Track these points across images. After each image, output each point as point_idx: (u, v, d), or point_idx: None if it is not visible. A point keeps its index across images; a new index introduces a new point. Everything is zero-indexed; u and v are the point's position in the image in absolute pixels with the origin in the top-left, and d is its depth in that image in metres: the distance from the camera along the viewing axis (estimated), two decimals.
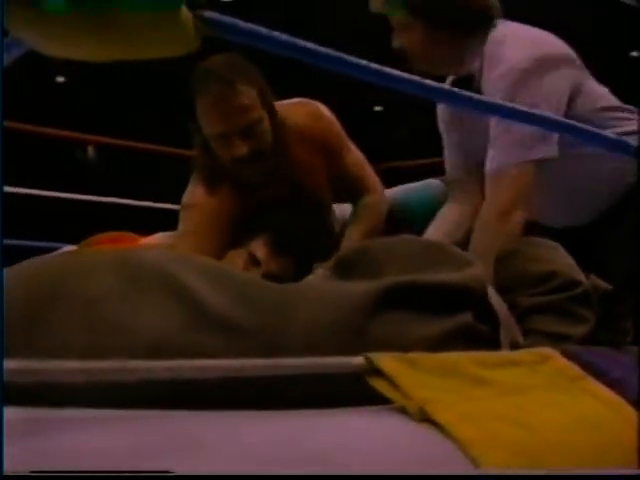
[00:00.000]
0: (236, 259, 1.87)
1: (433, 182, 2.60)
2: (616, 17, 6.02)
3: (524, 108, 1.55)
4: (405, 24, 2.01)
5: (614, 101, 2.11)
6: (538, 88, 1.89)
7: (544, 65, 1.93)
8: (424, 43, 2.01)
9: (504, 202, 1.87)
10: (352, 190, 2.31)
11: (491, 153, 1.92)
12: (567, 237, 1.68)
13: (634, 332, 1.24)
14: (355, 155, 2.32)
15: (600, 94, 2.08)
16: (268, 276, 1.80)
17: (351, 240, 2.19)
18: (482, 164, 2.06)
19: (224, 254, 1.93)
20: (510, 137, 1.88)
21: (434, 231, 2.22)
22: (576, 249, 1.39)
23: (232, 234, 1.99)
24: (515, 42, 1.99)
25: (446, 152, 2.36)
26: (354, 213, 2.32)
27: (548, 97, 1.89)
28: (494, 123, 1.93)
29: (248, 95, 1.99)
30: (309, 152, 2.19)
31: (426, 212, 2.39)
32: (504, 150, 1.89)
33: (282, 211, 2.00)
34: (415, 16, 1.98)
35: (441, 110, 2.33)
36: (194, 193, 2.15)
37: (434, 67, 2.07)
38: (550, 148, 1.88)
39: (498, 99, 1.77)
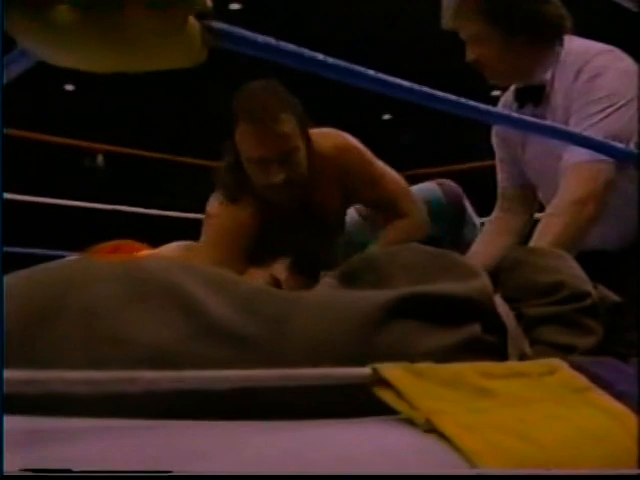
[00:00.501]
0: (257, 278, 1.89)
1: (430, 185, 2.62)
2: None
3: (539, 121, 1.57)
4: (480, 35, 2.04)
5: None
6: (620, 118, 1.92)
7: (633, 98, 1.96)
8: (501, 53, 2.04)
9: (578, 193, 1.88)
10: (386, 214, 2.33)
11: (570, 147, 1.93)
12: (594, 260, 1.68)
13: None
14: (388, 181, 2.34)
15: None
16: None
17: None
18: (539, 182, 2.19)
19: (245, 269, 1.95)
20: (591, 135, 1.90)
21: (485, 243, 2.25)
22: (602, 274, 1.39)
23: (253, 250, 2.01)
24: (596, 49, 2.04)
25: (499, 165, 2.39)
26: (387, 232, 2.33)
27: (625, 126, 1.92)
28: (575, 120, 1.97)
29: (289, 123, 2.04)
30: (329, 180, 2.22)
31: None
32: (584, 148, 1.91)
33: (303, 234, 2.03)
34: (493, 25, 2.00)
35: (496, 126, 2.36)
36: (219, 205, 2.18)
37: (509, 77, 2.12)
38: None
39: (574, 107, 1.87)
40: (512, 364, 0.96)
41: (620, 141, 1.84)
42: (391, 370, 0.78)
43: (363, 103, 8.67)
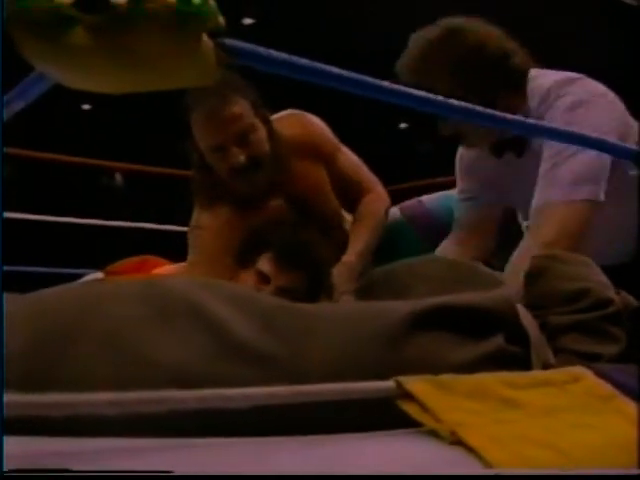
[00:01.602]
0: (247, 279, 1.89)
1: (450, 194, 2.61)
2: None
3: (553, 125, 1.56)
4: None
5: None
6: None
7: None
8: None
9: (547, 235, 1.82)
10: (351, 194, 2.33)
11: (539, 189, 1.91)
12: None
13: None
14: (349, 157, 2.35)
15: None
16: (280, 291, 1.82)
17: (356, 242, 2.18)
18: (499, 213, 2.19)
19: (235, 275, 1.95)
20: (559, 175, 1.87)
21: None
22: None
23: (240, 253, 2.01)
24: (563, 80, 2.01)
25: (461, 195, 2.37)
26: (355, 215, 2.32)
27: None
28: (543, 162, 1.93)
29: (240, 104, 2.04)
30: (306, 162, 2.22)
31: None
32: (552, 187, 1.88)
33: (284, 226, 2.02)
34: (464, 93, 1.96)
35: (462, 158, 2.34)
36: (199, 218, 2.19)
37: (488, 138, 2.08)
38: (598, 190, 1.86)
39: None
40: (536, 373, 0.96)
41: (589, 180, 1.83)
42: (415, 383, 0.77)
43: (379, 113, 8.70)
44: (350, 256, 2.13)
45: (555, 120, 1.90)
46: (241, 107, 2.04)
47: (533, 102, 2.00)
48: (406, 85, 1.98)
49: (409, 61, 2.00)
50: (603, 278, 1.29)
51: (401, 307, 0.94)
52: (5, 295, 0.89)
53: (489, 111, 1.34)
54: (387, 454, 0.73)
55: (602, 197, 1.86)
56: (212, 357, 0.84)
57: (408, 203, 2.64)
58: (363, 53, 7.77)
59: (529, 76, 2.04)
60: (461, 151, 2.35)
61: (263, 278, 1.88)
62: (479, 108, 1.29)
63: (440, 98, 1.26)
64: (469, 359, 0.92)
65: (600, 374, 0.91)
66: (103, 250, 4.16)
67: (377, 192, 2.35)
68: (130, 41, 0.81)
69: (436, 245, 2.34)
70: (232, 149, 2.04)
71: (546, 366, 1.05)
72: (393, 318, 0.92)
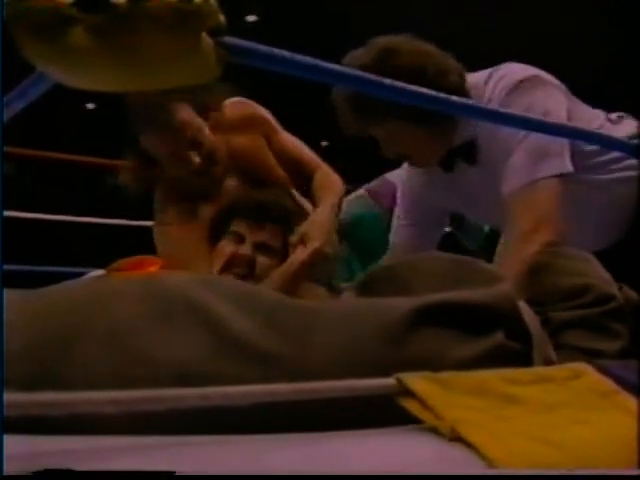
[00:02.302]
0: (225, 248, 1.92)
1: (358, 195, 2.62)
2: None
3: (535, 117, 1.55)
4: (393, 133, 2.01)
5: (603, 116, 2.10)
6: (538, 99, 1.88)
7: (540, 81, 1.93)
8: (420, 139, 2.00)
9: (525, 224, 1.81)
10: (299, 171, 2.35)
11: (504, 178, 1.90)
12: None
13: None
14: (290, 137, 2.40)
15: (590, 115, 2.07)
16: (257, 247, 1.90)
17: (321, 213, 2.18)
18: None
19: (213, 250, 1.99)
20: (517, 161, 1.86)
21: None
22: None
23: (212, 230, 2.05)
24: (504, 68, 2.01)
25: (402, 220, 2.36)
26: (313, 191, 2.33)
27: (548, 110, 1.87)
28: (502, 146, 1.92)
29: (183, 109, 2.08)
30: (247, 136, 2.29)
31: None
32: (517, 172, 1.86)
33: (245, 193, 2.06)
34: (402, 120, 1.95)
35: (406, 186, 2.33)
36: (163, 216, 2.23)
37: (437, 154, 2.07)
38: (564, 163, 1.85)
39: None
40: (537, 370, 0.96)
41: (547, 155, 1.82)
42: (415, 380, 0.78)
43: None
44: (319, 214, 2.13)
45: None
46: (184, 112, 2.09)
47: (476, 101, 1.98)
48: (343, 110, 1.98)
49: (346, 91, 1.98)
50: (605, 274, 1.29)
51: (402, 304, 0.94)
52: (7, 291, 0.89)
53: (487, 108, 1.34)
54: (388, 451, 0.73)
55: (569, 167, 1.85)
56: (213, 355, 0.84)
57: (373, 182, 2.66)
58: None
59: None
60: (405, 178, 2.34)
61: (238, 238, 1.93)
62: (468, 103, 1.29)
63: (443, 95, 1.26)
64: (470, 356, 0.92)
65: (602, 370, 0.91)
66: (107, 249, 4.17)
67: (326, 168, 2.38)
68: (130, 40, 0.81)
69: None
70: (186, 154, 2.10)
71: (547, 362, 1.05)
72: (394, 315, 0.92)
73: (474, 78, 2.03)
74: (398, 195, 2.35)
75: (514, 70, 1.98)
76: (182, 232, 2.18)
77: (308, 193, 2.36)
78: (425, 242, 2.29)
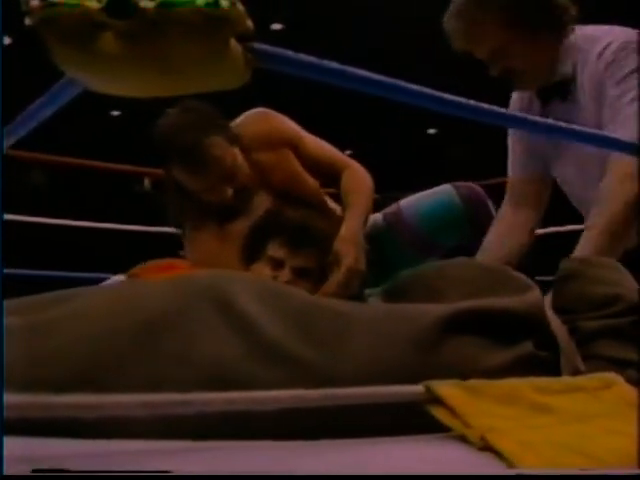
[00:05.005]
0: (262, 270, 1.91)
1: (443, 187, 2.58)
2: None
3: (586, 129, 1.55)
4: (501, 47, 2.02)
5: None
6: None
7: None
8: (525, 57, 2.03)
9: (626, 168, 1.82)
10: (329, 174, 2.33)
11: (612, 126, 1.90)
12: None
13: None
14: (315, 141, 2.36)
15: None
16: (296, 272, 1.87)
17: (351, 213, 2.17)
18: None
19: (247, 270, 1.97)
20: (632, 111, 1.87)
21: (495, 243, 2.21)
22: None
23: (246, 250, 2.04)
24: (608, 29, 2.04)
25: (513, 154, 2.36)
26: (342, 195, 2.32)
27: None
28: (611, 98, 1.94)
29: (218, 145, 2.07)
30: (274, 152, 2.24)
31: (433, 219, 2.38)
32: (627, 123, 1.88)
33: (278, 214, 2.05)
34: (511, 33, 1.99)
35: (512, 108, 2.33)
36: (198, 239, 2.23)
37: (537, 78, 2.10)
38: None
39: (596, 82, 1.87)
40: (567, 379, 0.95)
41: None
42: (444, 388, 0.77)
43: (408, 118, 8.67)
44: (349, 228, 2.12)
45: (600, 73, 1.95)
46: (220, 147, 2.08)
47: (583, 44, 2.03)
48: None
49: (456, 28, 2.03)
50: (634, 283, 1.27)
51: (432, 311, 0.93)
52: (35, 295, 0.90)
53: (523, 115, 1.33)
54: (416, 459, 0.72)
55: None
56: (244, 357, 0.84)
57: (389, 210, 2.62)
58: (393, 55, 7.77)
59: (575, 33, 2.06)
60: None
61: (277, 264, 1.91)
62: (513, 114, 1.28)
63: (472, 103, 1.25)
64: (500, 364, 0.91)
65: (631, 380, 0.90)
66: (134, 255, 4.18)
67: (354, 167, 2.35)
68: (159, 46, 0.81)
69: (421, 250, 2.34)
70: (219, 188, 2.09)
71: (576, 372, 1.04)
72: (425, 322, 0.91)
73: (589, 29, 2.07)
74: (509, 147, 2.37)
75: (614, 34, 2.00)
76: (213, 246, 2.18)
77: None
78: (526, 171, 2.31)
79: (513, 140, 2.36)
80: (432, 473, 0.68)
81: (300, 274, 1.89)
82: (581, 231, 1.89)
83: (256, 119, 2.28)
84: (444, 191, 2.50)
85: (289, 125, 2.32)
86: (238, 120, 2.28)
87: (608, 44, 1.97)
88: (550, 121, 1.50)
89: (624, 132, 1.84)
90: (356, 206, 2.20)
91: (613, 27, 2.05)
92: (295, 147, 2.29)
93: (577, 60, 2.03)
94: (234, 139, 2.14)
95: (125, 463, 0.64)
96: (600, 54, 1.98)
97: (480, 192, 2.45)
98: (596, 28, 2.08)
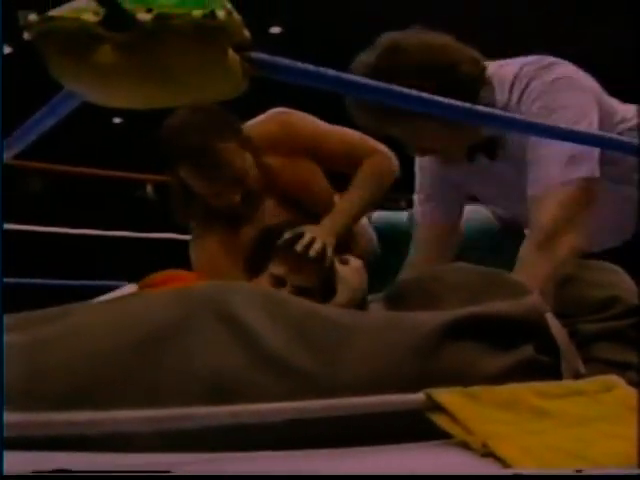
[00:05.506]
0: (263, 285, 1.87)
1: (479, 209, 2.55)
2: None
3: (562, 125, 1.53)
4: (416, 130, 1.90)
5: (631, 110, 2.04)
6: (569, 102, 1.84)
7: (574, 83, 1.88)
8: (443, 133, 1.91)
9: (551, 225, 1.72)
10: (354, 164, 2.27)
11: (532, 176, 1.81)
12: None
13: None
14: (340, 134, 2.26)
15: (616, 110, 2.01)
16: (298, 290, 1.82)
17: (342, 201, 2.14)
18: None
19: (249, 280, 1.94)
20: (550, 160, 1.81)
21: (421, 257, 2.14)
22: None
23: (250, 261, 1.99)
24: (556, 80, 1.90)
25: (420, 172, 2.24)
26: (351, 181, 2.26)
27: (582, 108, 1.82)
28: (531, 147, 1.85)
29: (227, 149, 2.00)
30: (286, 157, 2.17)
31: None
32: (548, 170, 1.80)
33: (283, 225, 2.00)
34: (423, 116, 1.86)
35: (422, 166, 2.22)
36: (204, 243, 2.19)
37: (462, 147, 1.98)
38: (594, 167, 1.80)
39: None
40: (568, 383, 0.95)
41: (584, 158, 1.75)
42: (444, 395, 0.77)
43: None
44: (333, 215, 2.08)
45: (529, 109, 1.81)
46: (229, 152, 2.01)
47: (501, 95, 1.89)
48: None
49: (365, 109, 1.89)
50: (632, 286, 1.27)
51: (432, 318, 0.93)
52: (37, 311, 0.90)
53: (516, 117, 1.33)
54: (417, 466, 0.73)
55: (598, 172, 1.77)
56: (245, 368, 0.84)
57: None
58: None
59: (488, 72, 1.91)
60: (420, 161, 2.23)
61: (278, 282, 1.88)
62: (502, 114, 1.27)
63: (467, 105, 1.26)
64: (500, 369, 0.91)
65: (632, 383, 0.90)
66: (136, 262, 4.19)
67: (376, 156, 2.28)
68: (157, 57, 0.82)
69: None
70: (226, 193, 2.05)
71: (576, 375, 1.04)
72: (424, 330, 0.91)
73: (502, 69, 1.93)
74: (415, 169, 2.26)
75: (546, 67, 1.90)
76: (219, 250, 2.15)
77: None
78: (447, 219, 2.18)
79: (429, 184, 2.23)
80: (430, 473, 0.68)
81: (301, 292, 1.86)
82: None
83: (271, 122, 2.21)
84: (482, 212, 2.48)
85: (306, 130, 2.22)
86: (255, 120, 2.23)
87: (526, 85, 1.86)
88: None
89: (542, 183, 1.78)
90: (347, 202, 2.16)
91: (529, 62, 1.91)
92: (314, 151, 2.23)
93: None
94: (245, 142, 2.07)
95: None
96: (520, 97, 1.86)
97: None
98: (510, 66, 1.93)
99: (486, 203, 2.26)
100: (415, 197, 2.25)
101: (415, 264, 2.11)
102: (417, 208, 2.23)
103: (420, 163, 2.21)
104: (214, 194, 2.06)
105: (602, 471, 0.70)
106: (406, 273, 2.09)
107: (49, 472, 0.57)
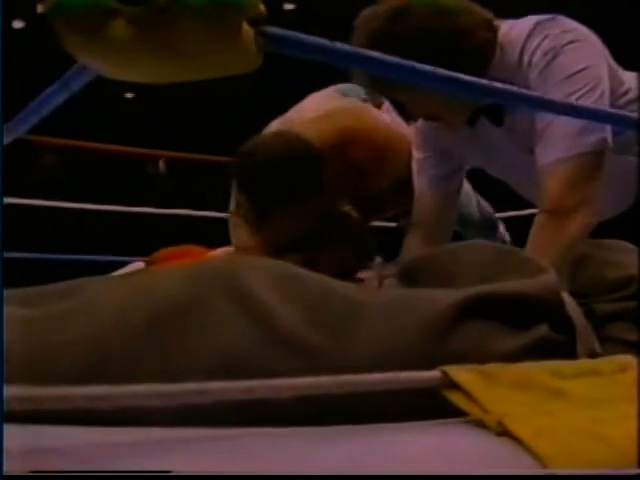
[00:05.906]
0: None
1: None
2: None
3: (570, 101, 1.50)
4: (419, 97, 1.85)
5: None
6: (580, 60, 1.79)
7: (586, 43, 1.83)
8: (446, 102, 1.86)
9: (566, 200, 1.69)
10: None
11: (540, 149, 1.77)
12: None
13: None
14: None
15: (622, 80, 1.97)
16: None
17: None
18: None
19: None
20: (561, 129, 1.76)
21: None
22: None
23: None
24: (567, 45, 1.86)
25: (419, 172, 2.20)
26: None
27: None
28: (540, 116, 1.77)
29: (295, 214, 2.00)
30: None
31: None
32: (559, 142, 1.73)
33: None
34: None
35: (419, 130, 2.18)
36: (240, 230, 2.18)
37: (465, 113, 1.92)
38: (606, 137, 1.75)
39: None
40: (583, 362, 0.94)
41: (594, 128, 1.70)
42: (461, 373, 0.77)
43: None
44: None
45: (541, 73, 1.76)
46: (295, 217, 2.00)
47: (512, 58, 1.83)
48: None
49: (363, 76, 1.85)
50: None
51: (446, 296, 0.93)
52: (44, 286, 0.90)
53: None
54: (433, 444, 0.72)
55: (610, 142, 1.73)
56: (258, 346, 0.84)
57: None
58: None
59: (499, 34, 1.85)
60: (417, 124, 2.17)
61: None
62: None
63: (484, 82, 1.24)
64: (515, 348, 0.91)
65: None
66: (147, 238, 4.19)
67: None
68: (171, 32, 0.81)
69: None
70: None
71: (592, 355, 1.03)
72: (439, 308, 0.91)
73: (514, 30, 1.86)
74: (413, 133, 2.22)
75: (559, 27, 1.84)
76: (250, 240, 2.13)
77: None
78: (445, 189, 2.15)
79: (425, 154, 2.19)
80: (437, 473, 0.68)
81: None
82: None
83: (339, 137, 2.14)
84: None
85: (372, 156, 2.19)
86: (321, 116, 2.20)
87: (534, 49, 1.79)
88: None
89: (551, 152, 1.75)
90: None
91: (539, 22, 1.83)
92: (364, 176, 2.21)
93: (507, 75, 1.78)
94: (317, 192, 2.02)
95: (144, 452, 0.64)
96: (529, 63, 1.80)
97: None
98: (519, 27, 1.86)
99: (492, 173, 2.21)
100: (414, 164, 2.21)
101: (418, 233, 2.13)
102: (415, 177, 2.20)
103: (420, 126, 2.16)
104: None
105: (602, 471, 0.69)
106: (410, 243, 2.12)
107: (49, 472, 0.57)
